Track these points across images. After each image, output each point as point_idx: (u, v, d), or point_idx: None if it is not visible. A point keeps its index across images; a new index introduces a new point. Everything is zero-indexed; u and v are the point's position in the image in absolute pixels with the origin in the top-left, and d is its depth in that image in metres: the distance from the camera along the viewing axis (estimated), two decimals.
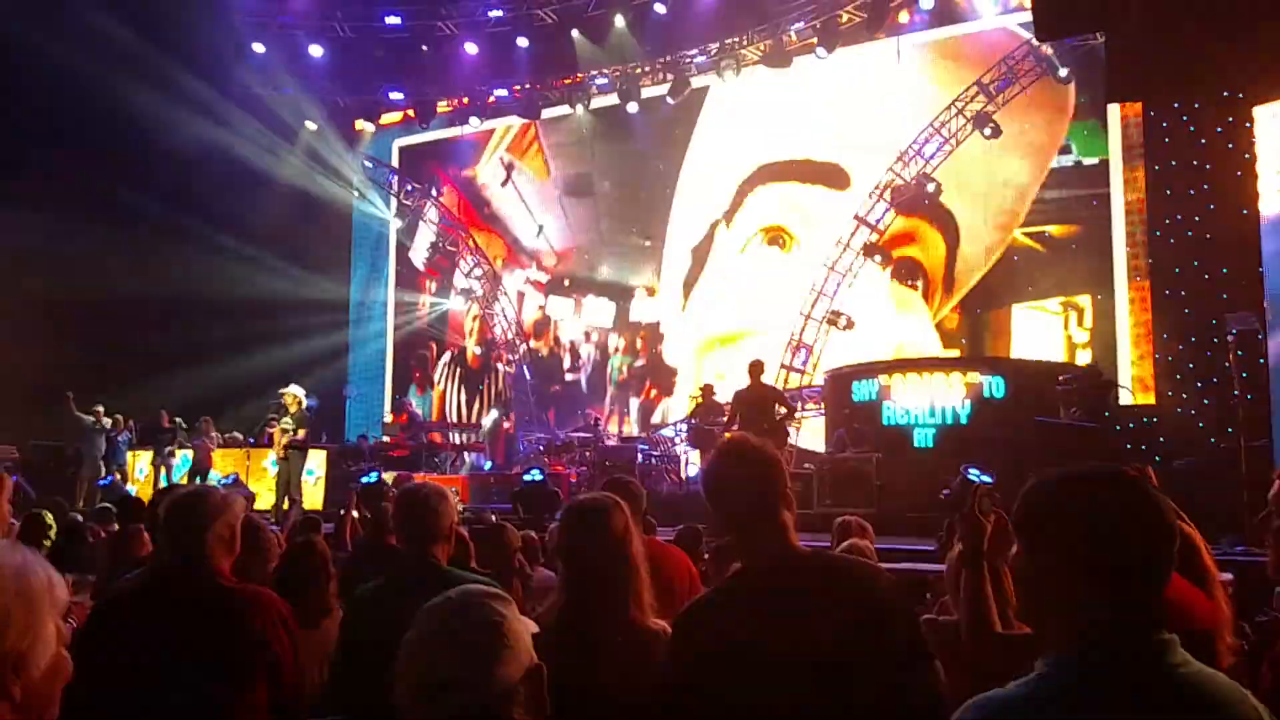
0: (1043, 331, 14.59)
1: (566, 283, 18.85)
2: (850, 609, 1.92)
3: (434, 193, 19.34)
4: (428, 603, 1.53)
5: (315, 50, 18.12)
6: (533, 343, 18.87)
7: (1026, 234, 14.89)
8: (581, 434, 14.91)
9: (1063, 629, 1.41)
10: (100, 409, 14.32)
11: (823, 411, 13.96)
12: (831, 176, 16.48)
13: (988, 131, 14.23)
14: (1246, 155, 11.15)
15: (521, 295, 19.19)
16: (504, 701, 1.45)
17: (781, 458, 2.21)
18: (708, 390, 13.32)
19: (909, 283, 15.59)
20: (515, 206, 19.38)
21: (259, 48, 17.81)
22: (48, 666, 1.36)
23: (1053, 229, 14.75)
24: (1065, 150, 14.70)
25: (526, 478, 11.40)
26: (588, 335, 18.58)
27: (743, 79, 16.48)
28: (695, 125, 17.78)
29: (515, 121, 18.97)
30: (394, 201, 20.05)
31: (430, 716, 1.44)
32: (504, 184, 19.51)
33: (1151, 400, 13.28)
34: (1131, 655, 1.36)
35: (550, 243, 19.01)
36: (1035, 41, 13.27)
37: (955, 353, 14.83)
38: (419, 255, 19.92)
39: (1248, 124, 11.01)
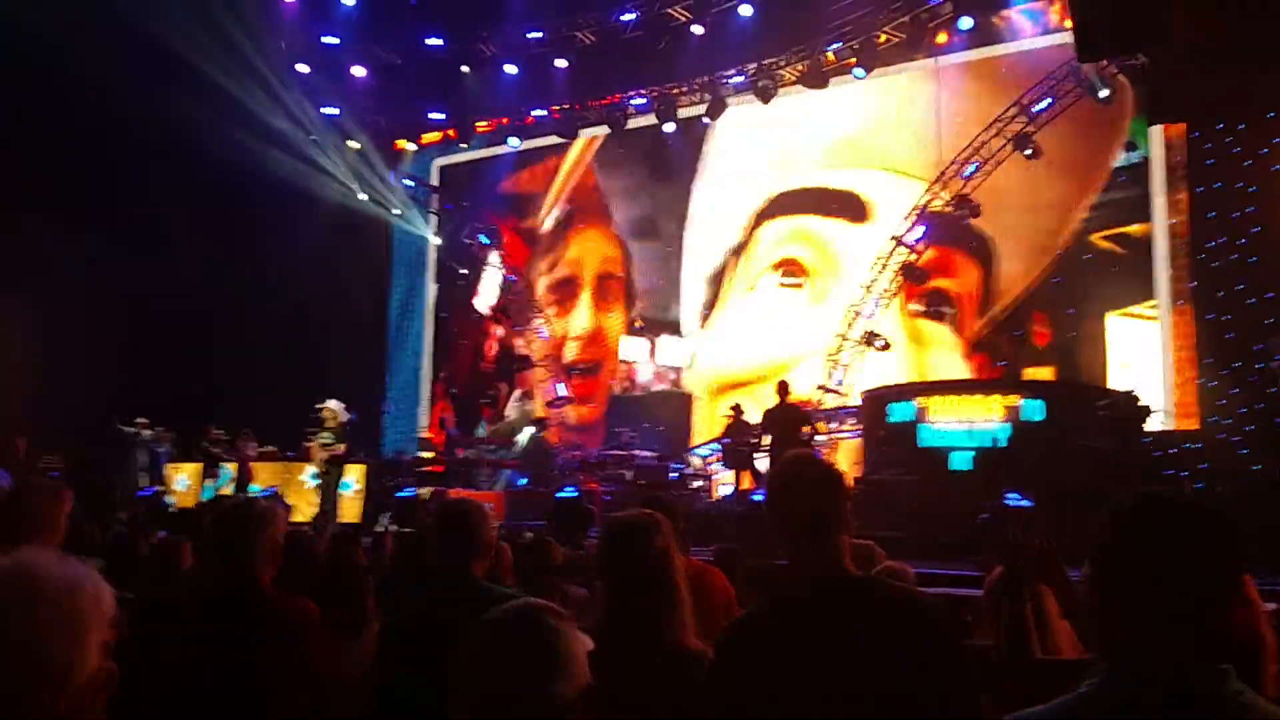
0: (1139, 338, 14.19)
1: (638, 324, 18.69)
2: (900, 640, 1.88)
3: (496, 241, 19.36)
4: (485, 616, 1.54)
5: (358, 71, 18.42)
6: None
7: (1104, 237, 14.57)
8: (616, 452, 14.93)
9: (1123, 650, 1.42)
10: (143, 420, 14.55)
11: (859, 432, 13.89)
12: (849, 207, 16.44)
13: (1028, 152, 14.14)
14: None
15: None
16: (558, 717, 1.45)
17: (844, 478, 2.19)
18: (738, 410, 13.35)
19: (934, 313, 15.45)
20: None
21: (303, 68, 18.12)
22: (89, 677, 1.40)
23: (1132, 228, 14.43)
24: (1131, 147, 14.42)
25: (560, 495, 11.44)
26: (659, 375, 18.52)
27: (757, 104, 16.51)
28: (705, 149, 17.90)
29: (569, 158, 19.08)
30: (433, 220, 20.24)
31: None
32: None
33: (1194, 425, 13.08)
34: (1185, 679, 1.36)
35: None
36: (1077, 62, 13.18)
37: (1045, 372, 14.57)
38: (484, 301, 19.96)
39: None
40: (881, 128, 16.37)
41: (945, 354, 15.42)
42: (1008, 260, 15.10)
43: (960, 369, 15.14)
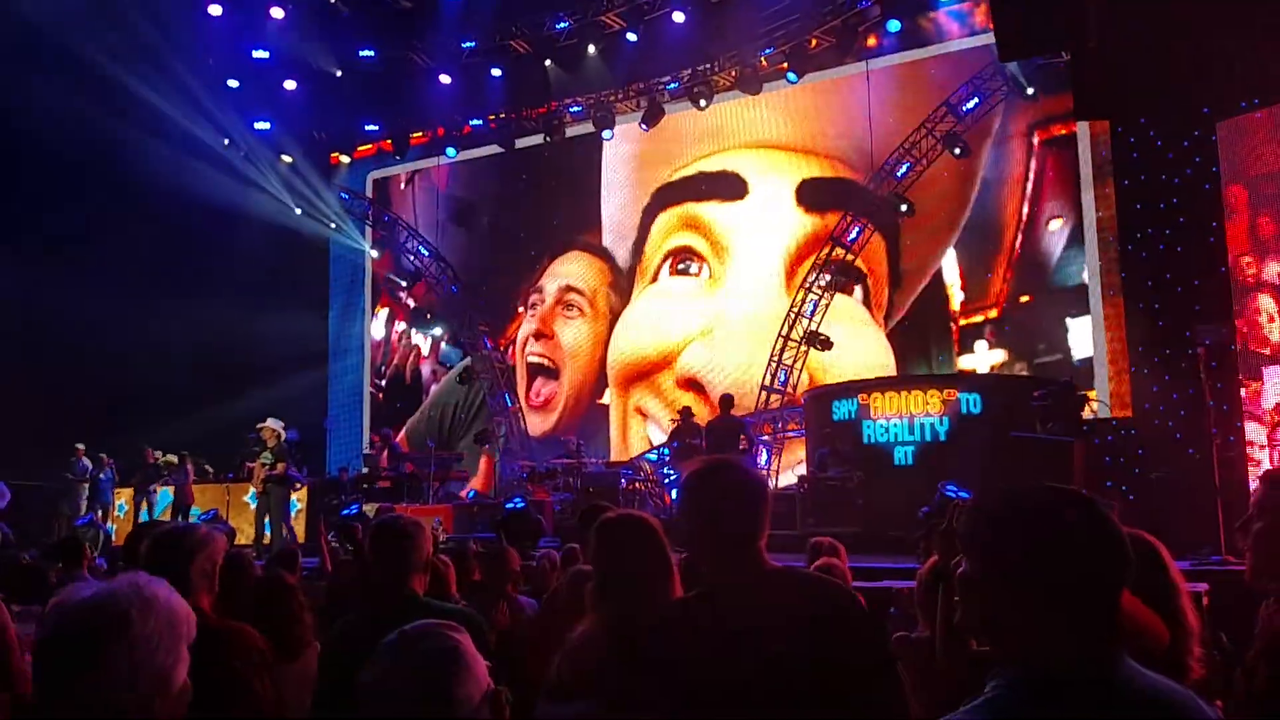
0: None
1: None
2: (819, 623, 1.96)
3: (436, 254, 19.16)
4: (385, 640, 1.55)
5: (290, 84, 18.20)
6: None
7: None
8: (564, 461, 14.87)
9: (1014, 648, 1.41)
10: (80, 447, 14.21)
11: (804, 431, 14.01)
12: (725, 186, 16.89)
13: (958, 150, 14.38)
14: (1214, 169, 11.33)
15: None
16: None
17: (766, 480, 2.24)
18: (686, 413, 13.46)
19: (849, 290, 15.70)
20: None
21: (233, 83, 17.86)
22: (180, 686, 1.55)
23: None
24: None
25: (509, 506, 11.37)
26: None
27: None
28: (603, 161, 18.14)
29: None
30: (369, 233, 20.05)
31: None
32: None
33: (1128, 413, 13.39)
34: (1084, 673, 1.36)
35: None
36: (1000, 62, 13.43)
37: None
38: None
39: (1212, 138, 11.20)
40: (816, 130, 16.57)
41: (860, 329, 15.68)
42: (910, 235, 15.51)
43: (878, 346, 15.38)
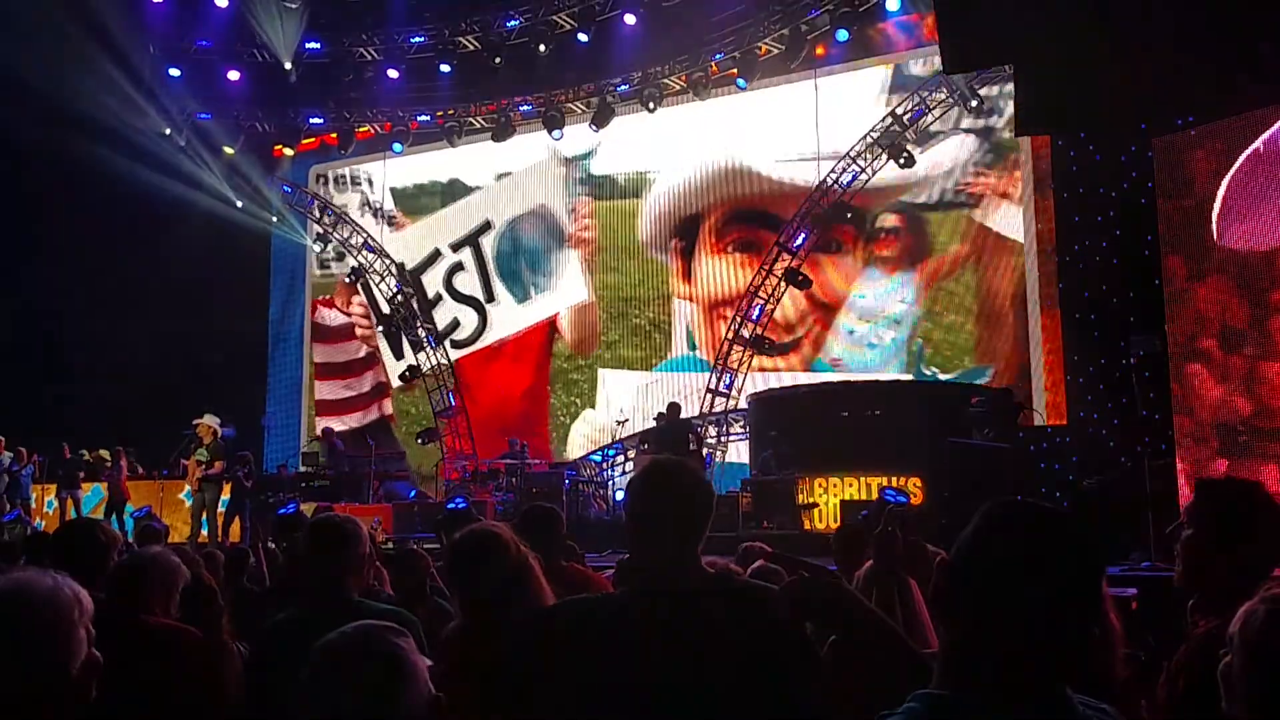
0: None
1: None
2: (739, 634, 1.98)
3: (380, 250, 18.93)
4: (323, 640, 1.51)
5: (233, 75, 17.88)
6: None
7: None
8: (507, 460, 14.80)
9: (954, 657, 1.38)
10: (0, 440, 13.81)
11: (747, 434, 14.10)
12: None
13: (902, 160, 14.57)
14: (1149, 184, 11.62)
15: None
16: None
17: (709, 482, 2.25)
18: (672, 408, 13.39)
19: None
20: None
21: (175, 72, 17.51)
22: (82, 664, 1.64)
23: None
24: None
25: (450, 506, 11.24)
26: None
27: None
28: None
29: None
30: (312, 227, 19.76)
31: None
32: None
33: (1063, 421, 13.66)
34: (1019, 701, 1.31)
35: None
36: (945, 74, 13.63)
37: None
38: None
39: (1149, 154, 11.48)
40: (764, 136, 16.69)
41: None
42: None
43: None
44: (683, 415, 13.14)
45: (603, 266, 18.07)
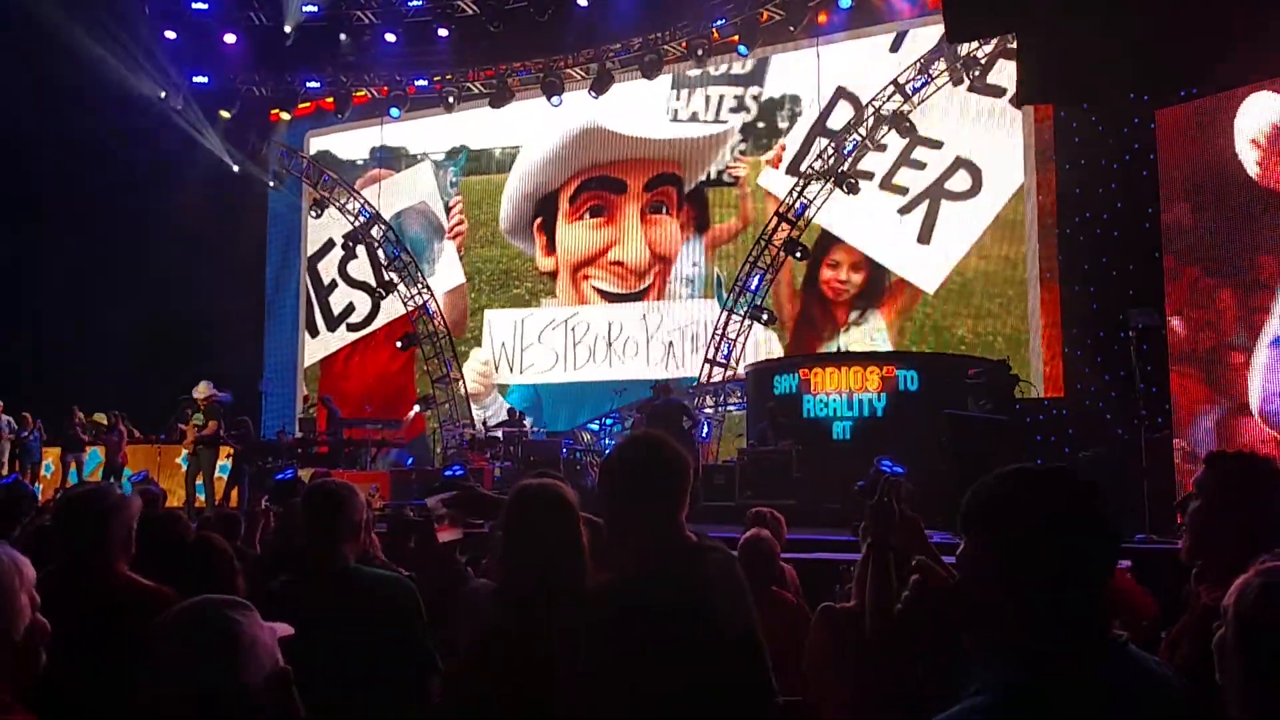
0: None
1: None
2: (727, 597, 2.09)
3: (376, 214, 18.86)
4: (165, 614, 1.57)
5: (229, 39, 17.69)
6: None
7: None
8: (505, 429, 14.81)
9: (1009, 638, 1.39)
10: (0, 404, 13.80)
11: (744, 405, 14.10)
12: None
13: (906, 126, 14.49)
14: (1151, 156, 11.54)
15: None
16: (247, 706, 1.50)
17: (688, 457, 2.27)
18: (661, 387, 13.44)
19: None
20: None
21: (171, 35, 17.32)
22: (26, 630, 1.64)
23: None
24: None
25: (447, 474, 11.24)
26: None
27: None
28: None
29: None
30: (306, 192, 19.64)
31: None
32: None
33: (1061, 393, 13.67)
34: (1074, 671, 1.34)
35: None
36: (949, 43, 13.52)
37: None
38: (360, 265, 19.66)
39: (1151, 125, 11.39)
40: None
41: None
42: None
43: None
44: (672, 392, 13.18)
45: (481, 241, 19.07)
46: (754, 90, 17.01)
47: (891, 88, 14.66)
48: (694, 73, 17.22)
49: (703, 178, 17.42)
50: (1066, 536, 1.38)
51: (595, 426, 16.29)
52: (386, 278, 18.09)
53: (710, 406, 15.32)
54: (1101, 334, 12.59)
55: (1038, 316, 14.27)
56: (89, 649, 2.59)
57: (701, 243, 17.42)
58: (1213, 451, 2.38)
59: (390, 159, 19.81)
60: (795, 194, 15.28)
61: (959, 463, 8.91)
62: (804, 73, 16.32)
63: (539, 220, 18.72)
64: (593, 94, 16.96)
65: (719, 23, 15.83)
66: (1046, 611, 1.37)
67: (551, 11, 16.45)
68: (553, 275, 18.62)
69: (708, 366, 15.59)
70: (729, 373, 15.43)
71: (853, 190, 14.88)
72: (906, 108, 14.53)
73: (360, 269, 19.71)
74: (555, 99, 17.17)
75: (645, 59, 16.22)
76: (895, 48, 15.69)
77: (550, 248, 18.65)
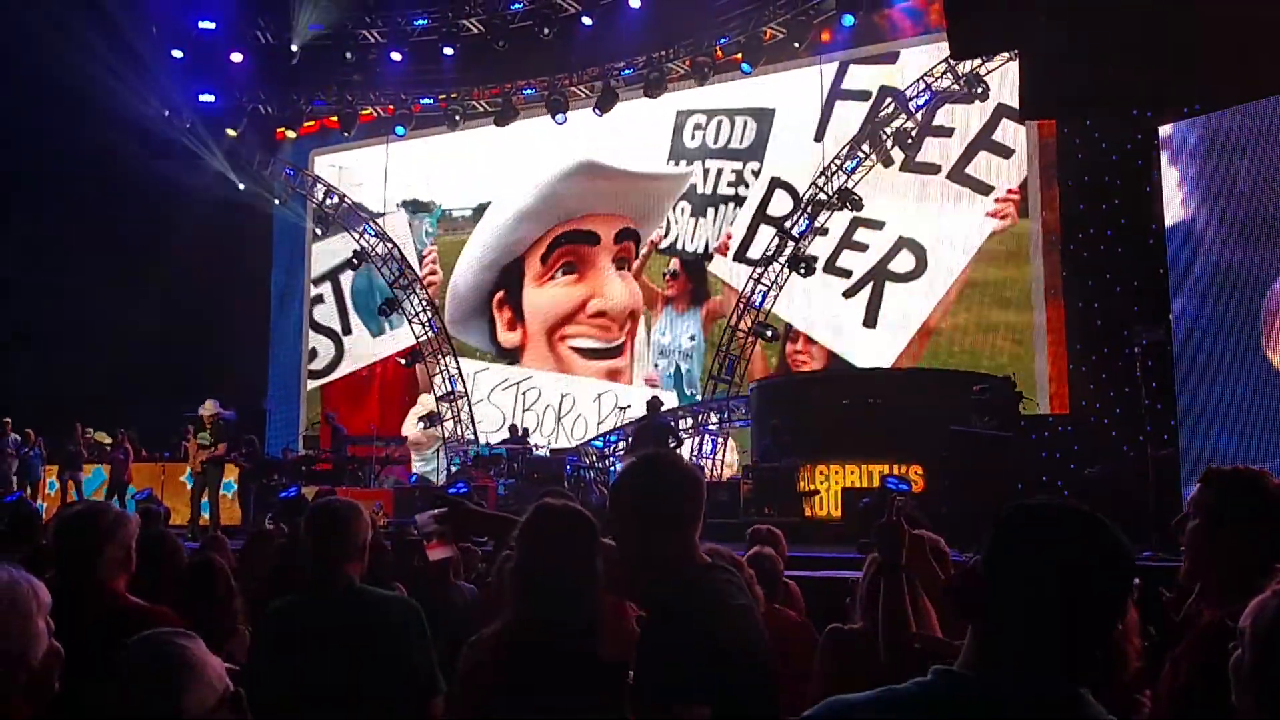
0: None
1: None
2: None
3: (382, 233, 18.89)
4: (110, 658, 1.65)
5: (236, 57, 17.79)
6: None
7: None
8: (509, 445, 14.79)
9: (978, 645, 1.38)
10: (8, 421, 13.82)
11: (749, 421, 14.07)
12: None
13: (908, 145, 14.52)
14: (1154, 172, 11.55)
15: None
16: None
17: (698, 476, 2.26)
18: (654, 402, 13.50)
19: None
20: None
21: (178, 54, 17.41)
22: (44, 655, 1.67)
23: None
24: None
25: (451, 491, 11.26)
26: None
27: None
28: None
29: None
30: (310, 210, 19.71)
31: None
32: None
33: (1066, 410, 13.62)
34: (1034, 694, 1.32)
35: None
36: (953, 60, 13.55)
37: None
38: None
39: (1155, 141, 11.40)
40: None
41: None
42: None
43: None
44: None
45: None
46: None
47: (894, 105, 14.71)
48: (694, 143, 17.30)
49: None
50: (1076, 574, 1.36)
51: (599, 444, 16.26)
52: (392, 295, 18.10)
53: (714, 423, 15.30)
54: (1106, 350, 12.56)
55: (1043, 334, 14.24)
56: (82, 670, 2.60)
57: (699, 315, 17.26)
58: (1209, 469, 2.34)
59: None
60: (800, 212, 15.30)
61: (963, 479, 8.88)
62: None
63: (500, 295, 18.52)
64: (597, 112, 17.02)
65: (722, 41, 15.89)
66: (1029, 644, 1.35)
67: (556, 30, 16.54)
68: (519, 350, 18.45)
69: (711, 383, 15.57)
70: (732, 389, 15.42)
71: (809, 271, 14.97)
72: (850, 183, 14.68)
73: (326, 314, 19.98)
74: (560, 117, 17.23)
75: (649, 77, 16.28)
76: (820, 136, 16.05)
77: (516, 319, 18.43)
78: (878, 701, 1.34)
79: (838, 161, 15.12)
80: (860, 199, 14.88)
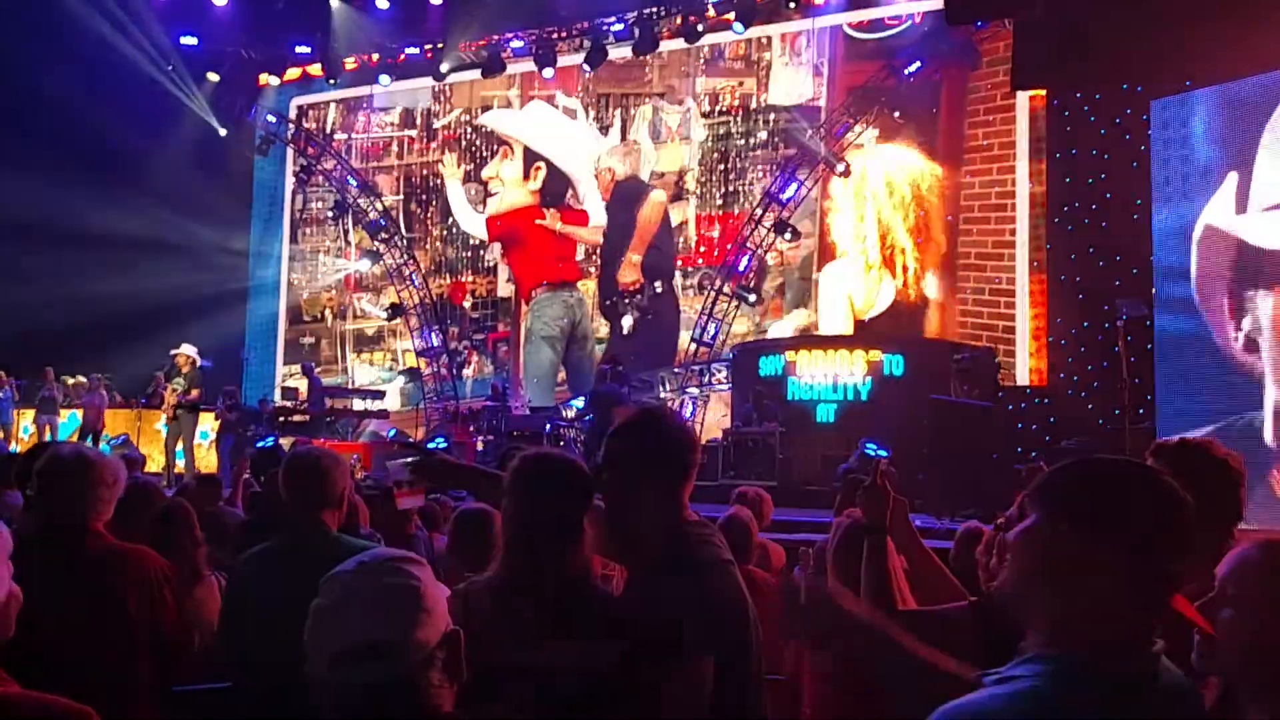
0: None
1: None
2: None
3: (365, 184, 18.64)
4: (337, 569, 1.47)
5: (218, 0, 17.42)
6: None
7: None
8: (489, 403, 14.74)
9: (1055, 623, 1.34)
10: None
11: (730, 385, 14.09)
12: None
13: (898, 113, 14.45)
14: (1142, 147, 11.55)
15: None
16: (422, 667, 1.41)
17: (691, 434, 2.26)
18: (613, 364, 13.43)
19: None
20: None
21: None
22: (5, 598, 1.69)
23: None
24: None
25: (430, 446, 11.21)
26: None
27: None
28: None
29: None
30: (290, 158, 19.44)
31: (346, 682, 1.39)
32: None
33: (1044, 383, 13.70)
34: (1130, 668, 1.30)
35: None
36: (948, 25, 13.44)
37: None
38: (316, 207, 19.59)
39: (1144, 116, 11.39)
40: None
41: None
42: None
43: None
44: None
45: None
46: None
47: (886, 70, 14.60)
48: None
49: None
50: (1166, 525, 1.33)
51: (579, 403, 16.24)
52: (374, 247, 17.93)
53: (695, 386, 15.30)
54: (1086, 324, 12.63)
55: (1026, 306, 14.26)
56: (69, 606, 2.64)
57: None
58: (1156, 442, 2.35)
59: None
60: (785, 174, 15.22)
61: (941, 447, 8.94)
62: None
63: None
64: (586, 67, 16.82)
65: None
66: (1111, 603, 1.32)
67: None
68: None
69: (693, 346, 15.55)
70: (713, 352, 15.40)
71: (845, 174, 14.89)
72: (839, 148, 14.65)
73: None
74: (547, 70, 17.02)
75: (639, 34, 16.08)
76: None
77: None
78: (1008, 707, 1.28)
79: (826, 126, 15.03)
80: (849, 165, 14.81)
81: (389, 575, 1.44)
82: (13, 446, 14.08)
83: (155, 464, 12.45)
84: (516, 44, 17.30)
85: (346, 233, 19.43)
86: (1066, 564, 1.33)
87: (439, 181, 19.07)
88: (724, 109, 16.93)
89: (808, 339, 14.15)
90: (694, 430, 2.29)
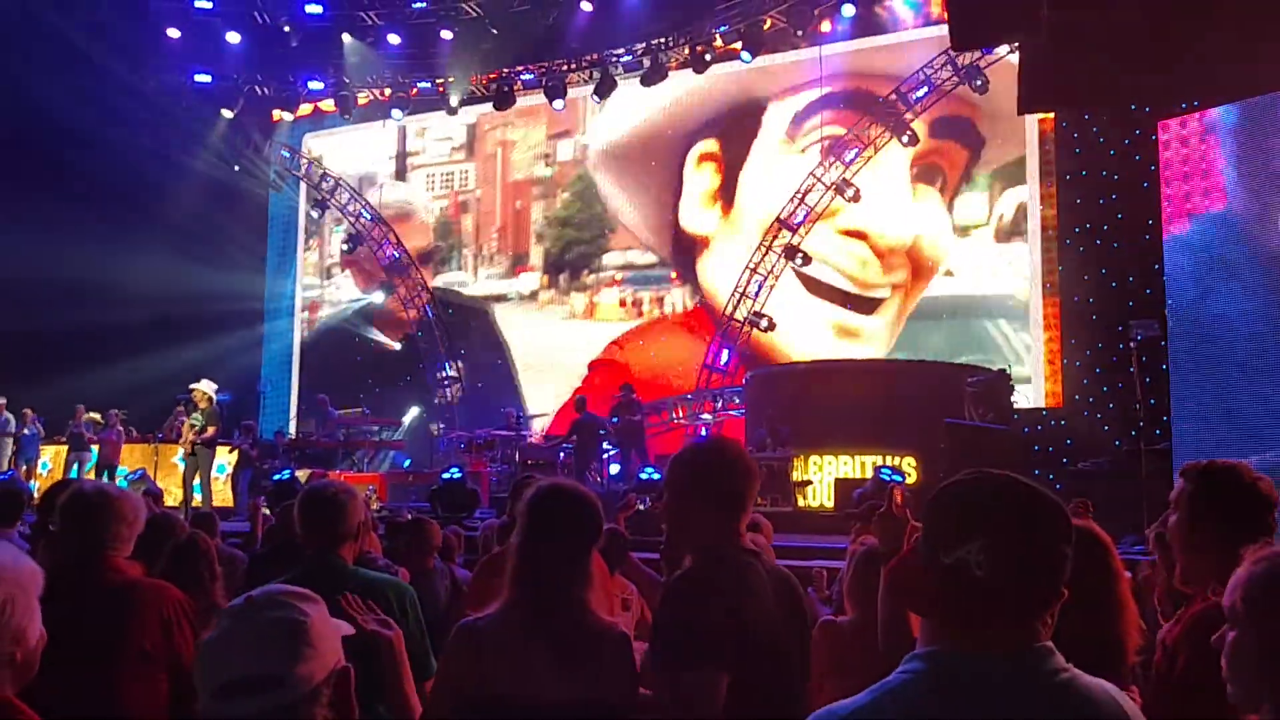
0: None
1: None
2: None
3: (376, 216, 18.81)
4: (230, 604, 1.51)
5: (233, 37, 17.66)
6: None
7: None
8: (503, 432, 14.77)
9: (943, 626, 1.39)
10: (2, 401, 13.76)
11: (744, 411, 14.07)
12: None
13: (905, 139, 14.50)
14: (1152, 167, 11.54)
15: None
16: (305, 703, 1.43)
17: (754, 464, 2.37)
18: (627, 390, 13.41)
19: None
20: None
21: (174, 33, 17.30)
22: (38, 639, 1.69)
23: None
24: None
25: (445, 476, 11.24)
26: None
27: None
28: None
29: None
30: (304, 192, 19.64)
31: (229, 716, 1.41)
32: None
33: (1059, 404, 13.65)
34: (1009, 667, 1.33)
35: None
36: (953, 51, 13.52)
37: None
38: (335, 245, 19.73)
39: (1153, 137, 11.40)
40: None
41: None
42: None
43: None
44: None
45: None
46: None
47: (894, 96, 14.67)
48: None
49: None
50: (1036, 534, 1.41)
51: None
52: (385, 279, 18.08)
53: (709, 412, 15.29)
54: (1100, 345, 12.59)
55: (1040, 329, 14.22)
56: (88, 640, 2.63)
57: None
58: (1186, 464, 2.37)
59: None
60: (796, 201, 15.27)
61: (957, 471, 8.87)
62: None
63: None
64: (595, 98, 16.96)
65: (722, 29, 15.82)
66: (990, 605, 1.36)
67: (555, 15, 16.44)
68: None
69: (705, 372, 15.56)
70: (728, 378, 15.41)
71: (853, 199, 14.93)
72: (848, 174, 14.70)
73: None
74: (558, 102, 17.16)
75: (648, 64, 16.21)
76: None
77: None
78: (873, 704, 1.34)
79: (835, 151, 15.09)
80: (858, 189, 14.87)
81: (274, 609, 1.47)
82: (32, 484, 14.17)
83: (172, 498, 12.50)
84: (526, 76, 17.47)
85: (359, 263, 19.57)
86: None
87: None
88: None
89: (822, 363, 14.08)
90: (754, 461, 2.34)
